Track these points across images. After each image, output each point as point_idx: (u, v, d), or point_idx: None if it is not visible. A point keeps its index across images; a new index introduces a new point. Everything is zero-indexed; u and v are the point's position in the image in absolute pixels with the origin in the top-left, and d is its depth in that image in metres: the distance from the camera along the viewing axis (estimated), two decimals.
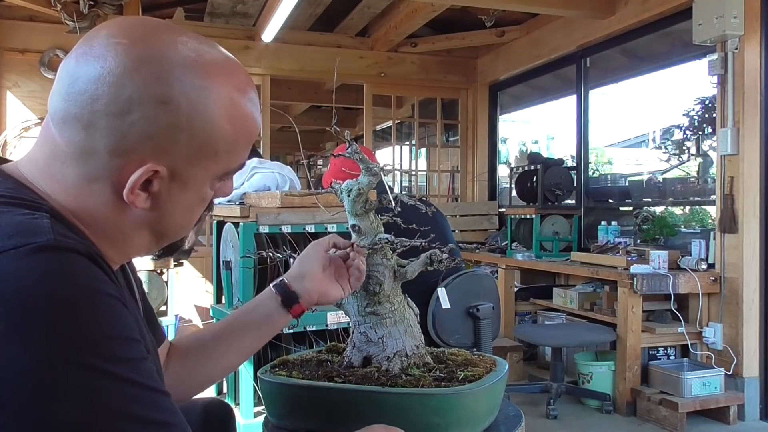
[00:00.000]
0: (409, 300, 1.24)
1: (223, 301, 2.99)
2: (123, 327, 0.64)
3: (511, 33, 5.71)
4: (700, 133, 4.83)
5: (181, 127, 0.71)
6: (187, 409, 1.10)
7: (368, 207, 1.18)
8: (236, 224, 2.69)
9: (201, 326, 5.34)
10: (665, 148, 5.33)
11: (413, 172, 7.34)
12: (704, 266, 3.75)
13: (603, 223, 4.67)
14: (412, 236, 1.21)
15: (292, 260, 1.28)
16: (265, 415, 1.24)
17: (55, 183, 0.73)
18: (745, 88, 3.59)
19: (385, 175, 1.20)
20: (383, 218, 1.25)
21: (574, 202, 5.20)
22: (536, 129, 10.41)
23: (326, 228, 2.59)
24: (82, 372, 0.59)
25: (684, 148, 5.05)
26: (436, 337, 2.42)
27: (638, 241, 4.36)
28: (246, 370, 2.60)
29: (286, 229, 2.56)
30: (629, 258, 3.97)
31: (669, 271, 3.74)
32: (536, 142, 9.58)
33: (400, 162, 7.02)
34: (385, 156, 8.14)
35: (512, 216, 5.23)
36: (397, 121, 6.67)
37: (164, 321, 3.78)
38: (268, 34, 5.26)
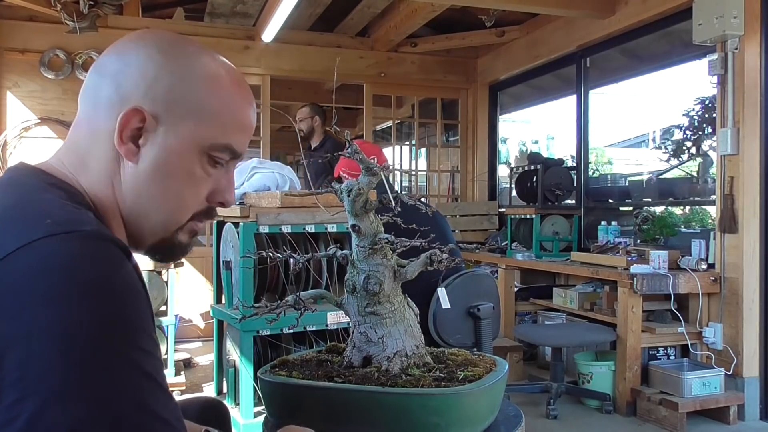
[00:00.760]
0: (409, 300, 1.24)
1: (223, 301, 2.99)
2: (147, 321, 0.68)
3: (511, 33, 5.71)
4: (700, 133, 4.82)
5: (169, 79, 0.80)
6: (184, 408, 1.10)
7: (368, 207, 1.18)
8: (236, 224, 2.69)
9: (201, 326, 5.35)
10: (665, 148, 5.32)
11: (413, 172, 7.34)
12: (704, 266, 3.75)
13: (603, 223, 4.67)
14: (412, 236, 1.21)
15: (291, 260, 1.28)
16: (265, 414, 1.24)
17: (75, 160, 0.81)
18: (745, 88, 3.59)
19: (387, 175, 1.20)
20: (383, 218, 1.25)
21: (574, 202, 5.20)
22: (536, 129, 10.41)
23: (326, 228, 2.59)
24: (116, 354, 0.63)
25: (684, 148, 5.04)
26: (436, 336, 2.42)
27: (638, 241, 4.36)
28: (246, 370, 2.60)
29: (286, 229, 2.56)
30: (629, 258, 3.97)
31: (669, 271, 3.74)
32: (536, 142, 9.58)
33: (400, 162, 7.02)
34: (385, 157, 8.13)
35: (512, 216, 5.23)
36: (397, 121, 6.67)
37: (164, 321, 3.78)
38: (268, 34, 5.26)
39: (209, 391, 3.73)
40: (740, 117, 3.60)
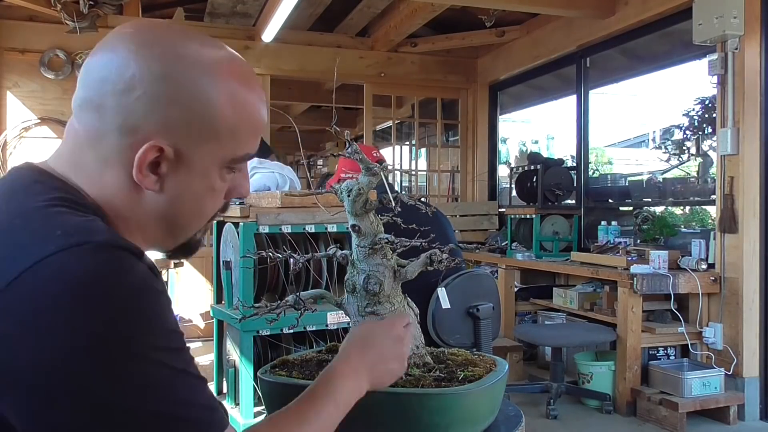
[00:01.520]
0: (409, 300, 1.24)
1: (223, 301, 2.99)
2: (171, 320, 0.69)
3: (511, 33, 5.71)
4: (700, 133, 4.83)
5: (182, 103, 0.74)
6: None
7: (368, 207, 1.18)
8: (236, 224, 2.69)
9: (201, 326, 5.35)
10: (665, 148, 5.33)
11: (413, 172, 7.34)
12: (704, 266, 3.75)
13: (603, 223, 4.67)
14: (412, 236, 1.21)
15: (291, 260, 1.28)
16: (265, 414, 1.24)
17: (80, 173, 0.77)
18: (745, 88, 3.59)
19: (386, 174, 1.20)
20: (383, 218, 1.25)
21: (574, 202, 5.20)
22: (536, 129, 10.41)
23: (326, 228, 2.59)
24: (141, 361, 0.64)
25: (684, 148, 5.05)
26: (436, 337, 2.42)
27: (638, 241, 4.36)
28: (246, 370, 2.60)
29: (286, 229, 2.56)
30: (629, 258, 3.97)
31: (669, 271, 3.74)
32: (536, 142, 9.58)
33: (400, 162, 7.03)
34: (385, 156, 8.13)
35: (512, 216, 5.23)
36: (397, 121, 6.67)
37: None
38: (268, 34, 5.26)
39: None
40: (740, 117, 3.60)
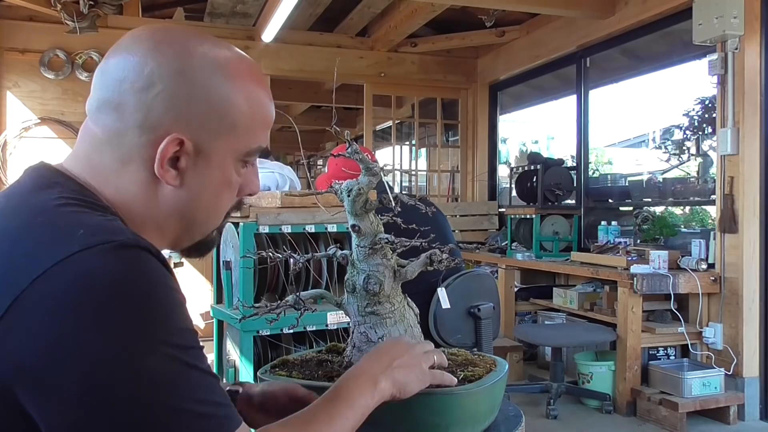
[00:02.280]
0: (410, 300, 1.24)
1: (223, 301, 2.99)
2: (187, 319, 0.71)
3: (511, 33, 5.71)
4: (700, 133, 4.83)
5: (200, 97, 0.77)
6: None
7: (368, 207, 1.18)
8: (236, 224, 2.69)
9: (201, 326, 5.35)
10: (665, 148, 5.33)
11: (413, 172, 7.34)
12: (704, 266, 3.75)
13: (603, 223, 4.67)
14: (412, 236, 1.21)
15: (291, 260, 1.28)
16: None
17: (97, 174, 0.79)
18: (745, 88, 3.59)
19: (385, 175, 1.20)
20: (383, 218, 1.25)
21: (574, 202, 5.20)
22: (536, 129, 10.41)
23: (326, 228, 2.59)
24: (160, 358, 0.66)
25: (684, 148, 5.05)
26: (437, 336, 2.42)
27: (638, 241, 4.36)
28: (246, 370, 2.60)
29: (286, 229, 2.56)
30: (629, 258, 3.97)
31: (669, 271, 3.74)
32: (536, 142, 9.58)
33: (400, 162, 7.03)
34: (385, 156, 8.14)
35: (512, 216, 5.23)
36: (397, 121, 6.67)
37: None
38: (268, 34, 5.26)
39: None
40: (740, 117, 3.60)
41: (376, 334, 1.18)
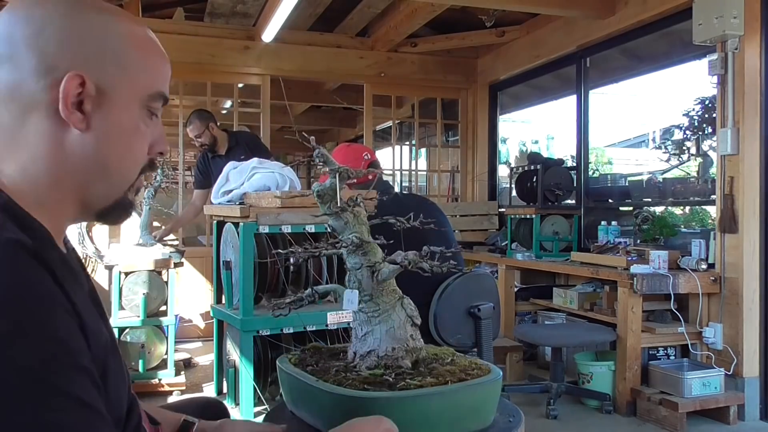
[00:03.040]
0: (408, 300, 1.24)
1: (223, 301, 2.99)
2: (61, 332, 0.63)
3: (511, 33, 5.71)
4: (700, 133, 4.83)
5: (93, 36, 0.77)
6: (184, 408, 1.11)
7: (337, 207, 1.20)
8: (236, 224, 2.69)
9: (201, 326, 5.35)
10: (665, 148, 5.33)
11: (413, 172, 7.34)
12: (704, 266, 3.75)
13: (603, 223, 4.67)
14: (407, 235, 1.22)
15: (292, 258, 1.29)
16: (264, 415, 1.25)
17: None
18: (745, 88, 3.59)
19: (348, 177, 1.22)
20: (385, 219, 1.25)
21: (574, 202, 5.20)
22: (536, 129, 10.41)
23: (326, 228, 2.59)
24: (33, 385, 0.59)
25: (684, 148, 5.04)
26: (437, 336, 2.42)
27: (638, 241, 4.36)
28: (246, 370, 2.60)
29: (286, 229, 2.56)
30: (629, 258, 3.97)
31: (669, 271, 3.74)
32: (536, 142, 9.56)
33: (400, 162, 7.03)
34: (385, 156, 8.14)
35: (512, 216, 5.23)
36: (397, 121, 6.67)
37: (164, 321, 3.78)
38: (268, 34, 5.26)
39: (209, 391, 3.72)
40: (740, 117, 3.60)
41: (362, 331, 1.20)
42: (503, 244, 5.32)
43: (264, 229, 2.55)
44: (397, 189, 6.59)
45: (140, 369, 3.65)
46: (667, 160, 5.21)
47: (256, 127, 5.94)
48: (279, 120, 7.24)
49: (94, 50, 0.76)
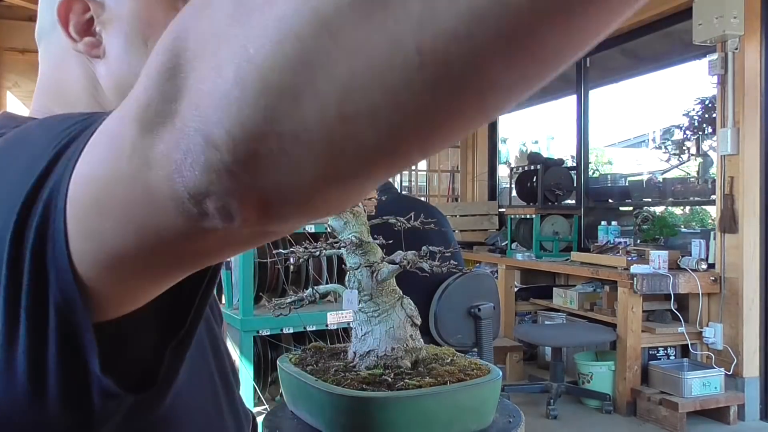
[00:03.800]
0: (408, 300, 1.24)
1: (223, 301, 2.99)
2: None
3: None
4: (700, 133, 4.83)
5: None
6: None
7: None
8: None
9: None
10: (665, 148, 5.34)
11: (413, 172, 7.34)
12: (704, 266, 3.75)
13: (603, 223, 4.67)
14: (407, 236, 1.22)
15: (292, 257, 1.29)
16: (264, 415, 1.25)
17: (48, 96, 0.71)
18: (745, 88, 3.59)
19: None
20: (385, 219, 1.25)
21: (574, 202, 5.20)
22: (536, 129, 10.41)
23: (326, 228, 2.59)
24: None
25: (684, 148, 5.05)
26: (437, 336, 2.42)
27: (638, 241, 4.36)
28: (246, 370, 2.61)
29: None
30: (629, 258, 3.97)
31: (669, 271, 3.74)
32: (536, 142, 9.57)
33: None
34: None
35: (512, 216, 5.23)
36: None
37: None
38: None
39: None
40: (740, 117, 3.60)
41: (362, 330, 1.20)
42: (503, 244, 5.32)
43: None
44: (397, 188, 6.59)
45: None
46: (667, 160, 5.22)
47: None
48: None
49: None
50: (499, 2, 0.23)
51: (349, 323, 1.27)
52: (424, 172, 7.74)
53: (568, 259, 4.56)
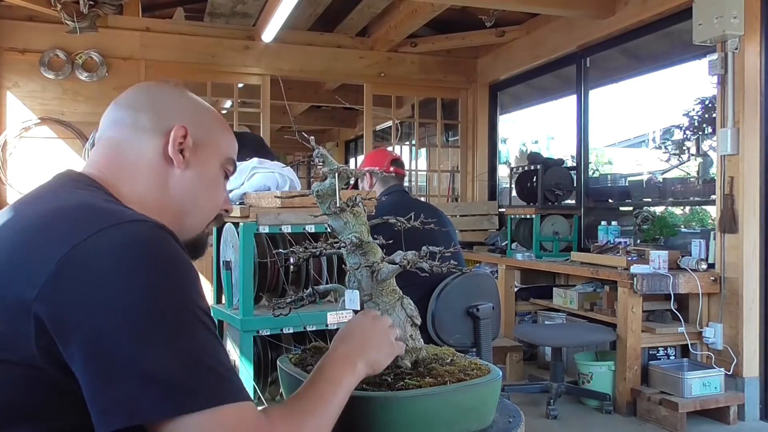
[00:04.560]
0: (408, 300, 1.24)
1: (223, 301, 2.99)
2: (200, 287, 0.84)
3: (511, 33, 5.71)
4: (700, 133, 4.83)
5: (193, 108, 1.06)
6: None
7: (336, 207, 1.20)
8: (236, 224, 2.69)
9: None
10: (665, 148, 5.33)
11: (413, 172, 7.34)
12: (704, 266, 3.75)
13: (603, 223, 4.67)
14: (408, 236, 1.22)
15: (292, 257, 1.29)
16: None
17: (116, 171, 0.99)
18: (745, 88, 3.59)
19: (351, 176, 1.23)
20: (386, 219, 1.25)
21: (574, 202, 5.20)
22: (536, 129, 10.41)
23: (326, 228, 2.59)
24: (189, 313, 0.78)
25: (684, 148, 5.05)
26: (436, 336, 2.42)
27: (638, 241, 4.36)
28: (246, 370, 2.60)
29: (286, 229, 2.56)
30: (629, 258, 3.97)
31: (669, 271, 3.74)
32: (536, 142, 9.57)
33: None
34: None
35: (512, 216, 5.23)
36: (397, 121, 6.67)
37: None
38: (268, 34, 5.26)
39: None
40: (740, 117, 3.59)
41: None
42: (503, 244, 5.32)
43: (264, 229, 2.55)
44: None
45: None
46: (667, 160, 5.21)
47: (256, 127, 5.94)
48: (279, 120, 7.23)
49: (193, 116, 1.04)
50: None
51: None
52: (424, 172, 7.75)
53: (568, 259, 4.56)
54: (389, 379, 1.12)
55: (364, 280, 1.19)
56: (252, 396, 2.64)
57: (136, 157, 0.99)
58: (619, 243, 4.38)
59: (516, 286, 5.09)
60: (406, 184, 7.96)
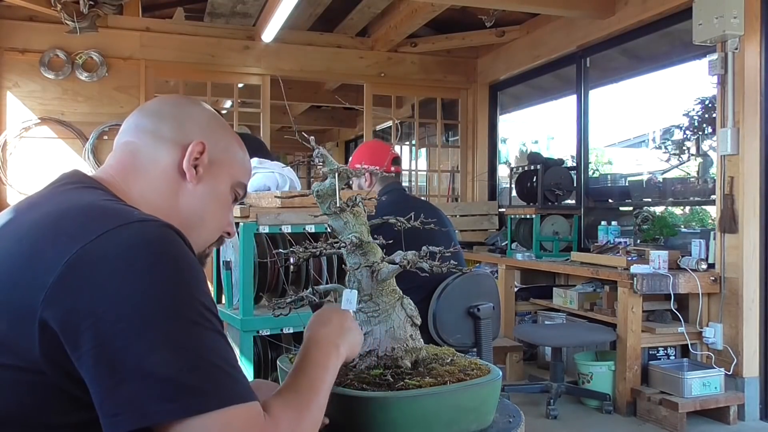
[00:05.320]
0: (408, 300, 1.24)
1: (223, 301, 2.99)
2: (207, 287, 0.84)
3: (511, 33, 5.71)
4: (700, 133, 4.83)
5: (214, 126, 1.07)
6: None
7: (336, 207, 1.20)
8: (236, 224, 2.69)
9: None
10: (665, 148, 5.33)
11: (413, 172, 7.34)
12: (704, 266, 3.75)
13: (603, 223, 4.67)
14: (408, 235, 1.22)
15: (292, 257, 1.29)
16: None
17: (129, 174, 1.00)
18: (745, 88, 3.59)
19: (352, 176, 1.23)
20: (386, 219, 1.25)
21: (574, 202, 5.20)
22: (536, 129, 10.40)
23: (326, 228, 2.59)
24: (196, 313, 0.78)
25: (684, 148, 5.04)
26: (436, 336, 2.42)
27: (638, 241, 4.36)
28: (245, 370, 2.61)
29: (286, 229, 2.56)
30: (629, 258, 3.97)
31: (669, 271, 3.74)
32: (536, 142, 9.56)
33: None
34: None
35: (512, 216, 5.23)
36: (397, 121, 6.66)
37: None
38: (268, 34, 5.26)
39: None
40: (740, 117, 3.59)
41: (363, 330, 1.20)
42: (503, 244, 5.32)
43: (264, 229, 2.55)
44: None
45: None
46: (667, 160, 5.21)
47: (256, 127, 5.94)
48: (279, 120, 7.23)
49: (214, 134, 1.05)
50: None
51: None
52: (424, 172, 7.75)
53: (568, 259, 4.56)
54: (389, 379, 1.12)
55: (364, 280, 1.19)
56: None
57: (151, 163, 1.00)
58: (619, 243, 4.38)
59: (516, 286, 5.09)
60: (405, 184, 7.98)
